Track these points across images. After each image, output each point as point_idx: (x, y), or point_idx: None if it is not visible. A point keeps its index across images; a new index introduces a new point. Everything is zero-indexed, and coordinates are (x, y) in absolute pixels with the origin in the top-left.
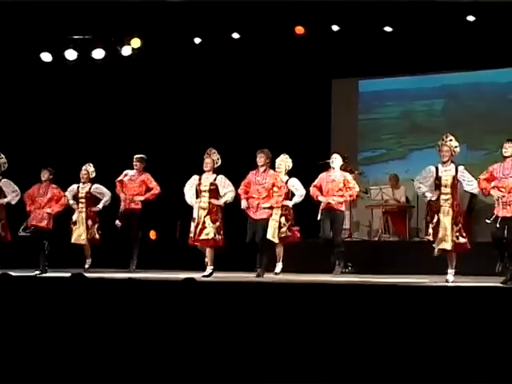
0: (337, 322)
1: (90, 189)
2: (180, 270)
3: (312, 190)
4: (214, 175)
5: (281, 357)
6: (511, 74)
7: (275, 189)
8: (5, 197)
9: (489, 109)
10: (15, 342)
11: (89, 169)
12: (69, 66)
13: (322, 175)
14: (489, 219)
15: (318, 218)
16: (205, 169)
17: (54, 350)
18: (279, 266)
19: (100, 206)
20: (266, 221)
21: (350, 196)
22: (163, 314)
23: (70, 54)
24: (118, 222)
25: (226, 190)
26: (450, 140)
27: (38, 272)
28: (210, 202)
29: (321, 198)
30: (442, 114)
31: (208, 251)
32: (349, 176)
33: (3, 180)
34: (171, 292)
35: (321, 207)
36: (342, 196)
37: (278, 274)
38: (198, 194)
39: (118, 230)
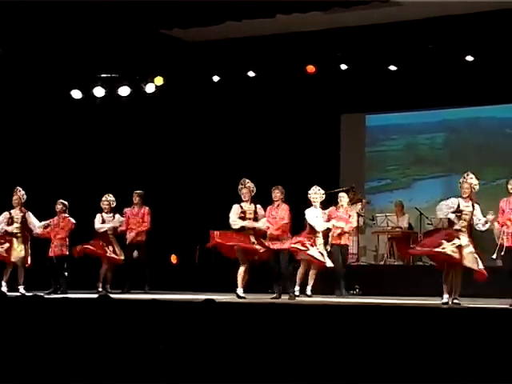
0: (343, 341)
1: (113, 217)
2: (199, 292)
3: None
4: (253, 204)
5: (294, 377)
6: (507, 109)
7: (284, 222)
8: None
9: (486, 142)
10: (43, 360)
11: (108, 198)
12: (97, 102)
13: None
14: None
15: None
16: (244, 199)
17: (79, 368)
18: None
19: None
20: (284, 250)
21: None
22: (184, 332)
23: (98, 91)
24: (135, 253)
25: (263, 219)
26: (471, 178)
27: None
28: (253, 228)
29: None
30: (443, 146)
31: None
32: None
33: (28, 213)
34: (192, 312)
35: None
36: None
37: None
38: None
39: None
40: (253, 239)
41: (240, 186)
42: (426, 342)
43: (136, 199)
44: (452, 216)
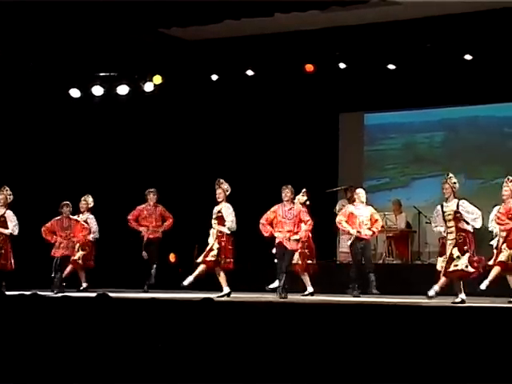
0: (342, 340)
1: (86, 218)
2: (198, 291)
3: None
4: (222, 204)
5: (295, 377)
6: (507, 108)
7: (302, 224)
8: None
9: (486, 141)
10: (41, 359)
11: (88, 200)
12: (95, 101)
13: (351, 209)
14: None
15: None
16: (218, 200)
17: (77, 367)
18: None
19: (90, 237)
20: (295, 251)
21: (377, 229)
22: (182, 331)
23: (97, 90)
24: (144, 253)
25: (227, 219)
26: (450, 177)
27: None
28: (216, 229)
29: (351, 231)
30: (441, 145)
31: (219, 273)
32: (373, 211)
33: (8, 211)
34: (190, 311)
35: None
36: (369, 229)
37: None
38: None
39: (144, 258)
40: (215, 245)
41: (216, 187)
42: (425, 341)
43: (150, 197)
44: (442, 229)
